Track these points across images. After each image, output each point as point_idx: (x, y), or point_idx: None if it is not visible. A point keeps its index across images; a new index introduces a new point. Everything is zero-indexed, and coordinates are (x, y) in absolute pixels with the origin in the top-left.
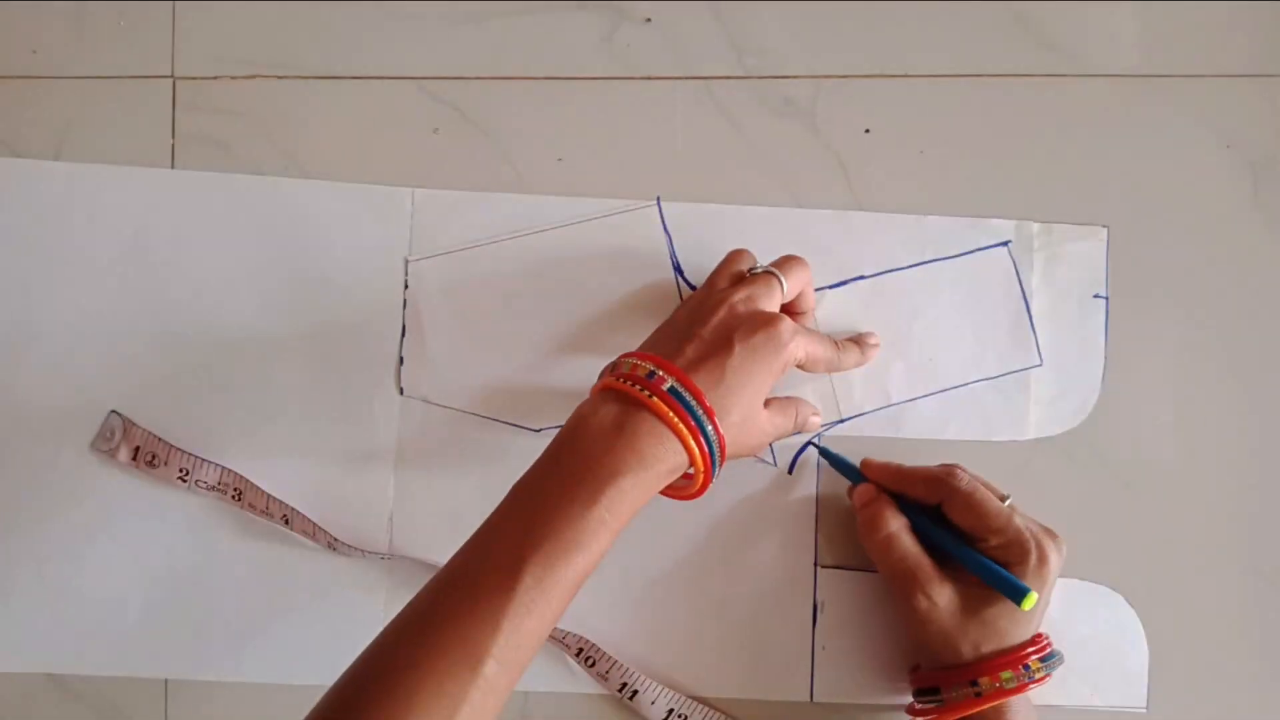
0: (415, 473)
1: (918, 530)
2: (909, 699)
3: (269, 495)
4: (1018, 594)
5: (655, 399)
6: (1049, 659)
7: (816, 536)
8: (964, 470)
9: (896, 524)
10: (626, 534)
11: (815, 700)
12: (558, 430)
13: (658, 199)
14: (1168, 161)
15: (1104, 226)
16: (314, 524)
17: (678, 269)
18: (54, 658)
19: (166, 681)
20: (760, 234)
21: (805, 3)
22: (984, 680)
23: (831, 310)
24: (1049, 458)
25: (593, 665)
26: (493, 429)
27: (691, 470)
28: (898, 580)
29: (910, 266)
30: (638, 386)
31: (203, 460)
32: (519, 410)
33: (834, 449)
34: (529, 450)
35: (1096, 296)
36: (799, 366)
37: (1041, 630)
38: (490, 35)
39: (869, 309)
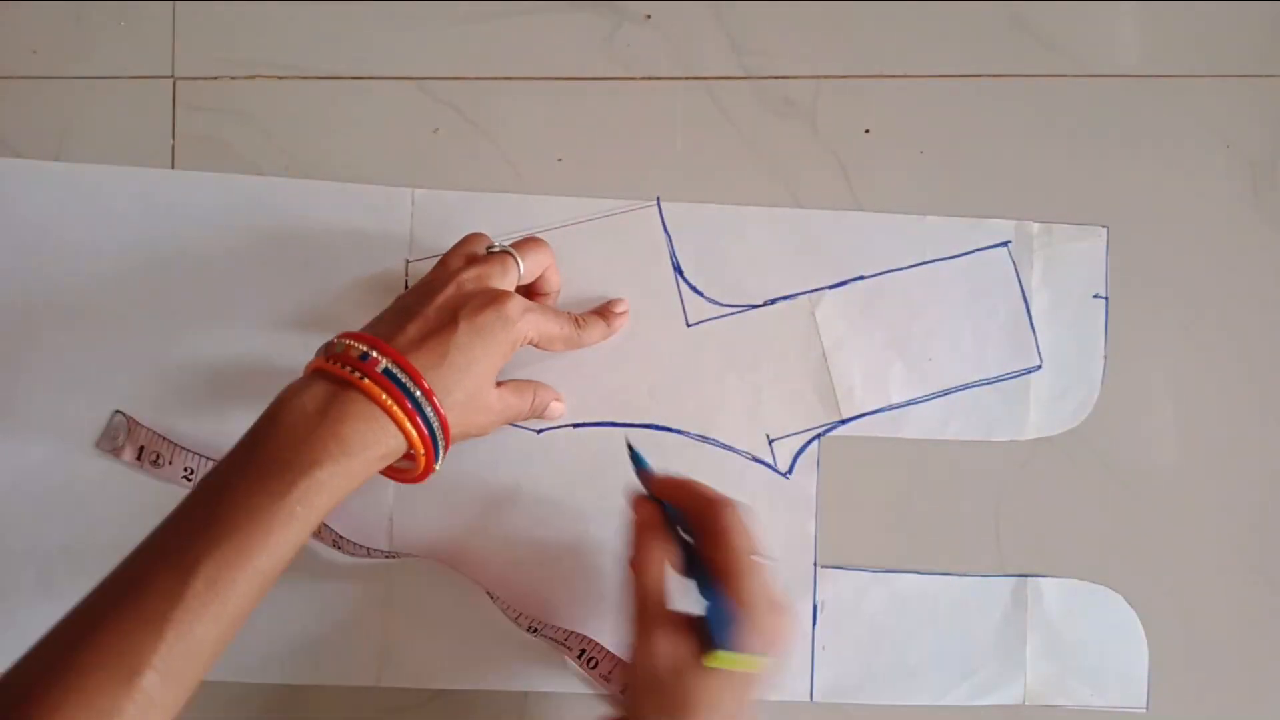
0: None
1: (685, 558)
2: (909, 699)
3: None
4: (715, 644)
5: (367, 380)
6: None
7: (816, 536)
8: (739, 511)
9: (658, 558)
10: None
11: (815, 700)
12: (556, 430)
13: (658, 199)
14: (1168, 161)
15: (1104, 226)
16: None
17: (678, 269)
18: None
19: None
20: (760, 234)
21: (805, 3)
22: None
23: (832, 310)
24: (1049, 458)
25: (595, 667)
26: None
27: (412, 453)
28: (639, 611)
29: (910, 267)
30: (349, 368)
31: (207, 459)
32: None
33: (834, 449)
34: (529, 450)
35: (1096, 296)
36: (535, 346)
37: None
38: (490, 35)
39: (869, 309)
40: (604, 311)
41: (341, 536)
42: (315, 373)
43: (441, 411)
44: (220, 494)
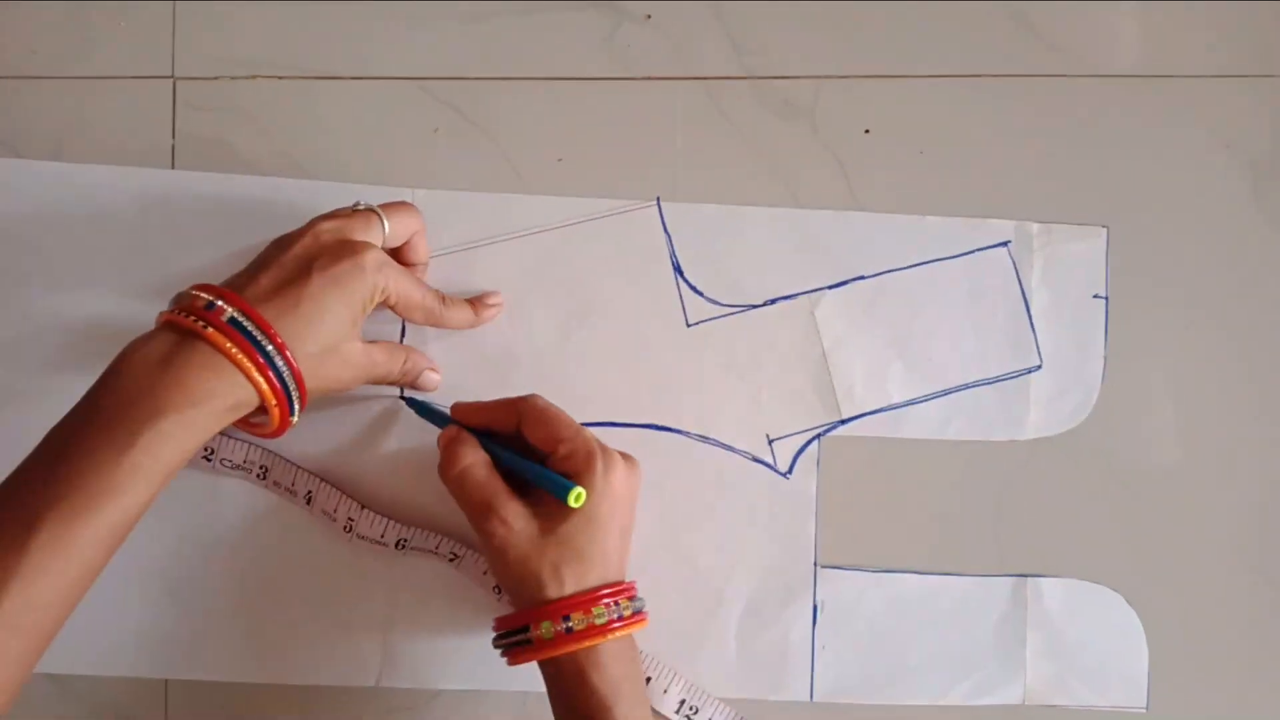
0: (415, 474)
1: (497, 464)
2: (909, 699)
3: (297, 468)
4: (563, 490)
5: (211, 330)
6: (636, 602)
7: (816, 536)
8: (537, 397)
9: (472, 457)
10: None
11: (815, 700)
12: None
13: (658, 199)
14: (1168, 161)
15: (1104, 226)
16: (338, 498)
17: (678, 269)
18: (54, 658)
19: (166, 682)
20: (760, 234)
21: (805, 3)
22: (575, 615)
23: (832, 310)
24: (1049, 458)
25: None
26: None
27: (265, 406)
28: (475, 512)
29: (910, 267)
30: (193, 318)
31: (228, 438)
32: None
33: (834, 449)
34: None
35: (1096, 296)
36: (391, 308)
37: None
38: (490, 35)
39: (869, 309)
40: (477, 301)
41: (353, 519)
42: (163, 325)
43: (294, 363)
44: (64, 446)
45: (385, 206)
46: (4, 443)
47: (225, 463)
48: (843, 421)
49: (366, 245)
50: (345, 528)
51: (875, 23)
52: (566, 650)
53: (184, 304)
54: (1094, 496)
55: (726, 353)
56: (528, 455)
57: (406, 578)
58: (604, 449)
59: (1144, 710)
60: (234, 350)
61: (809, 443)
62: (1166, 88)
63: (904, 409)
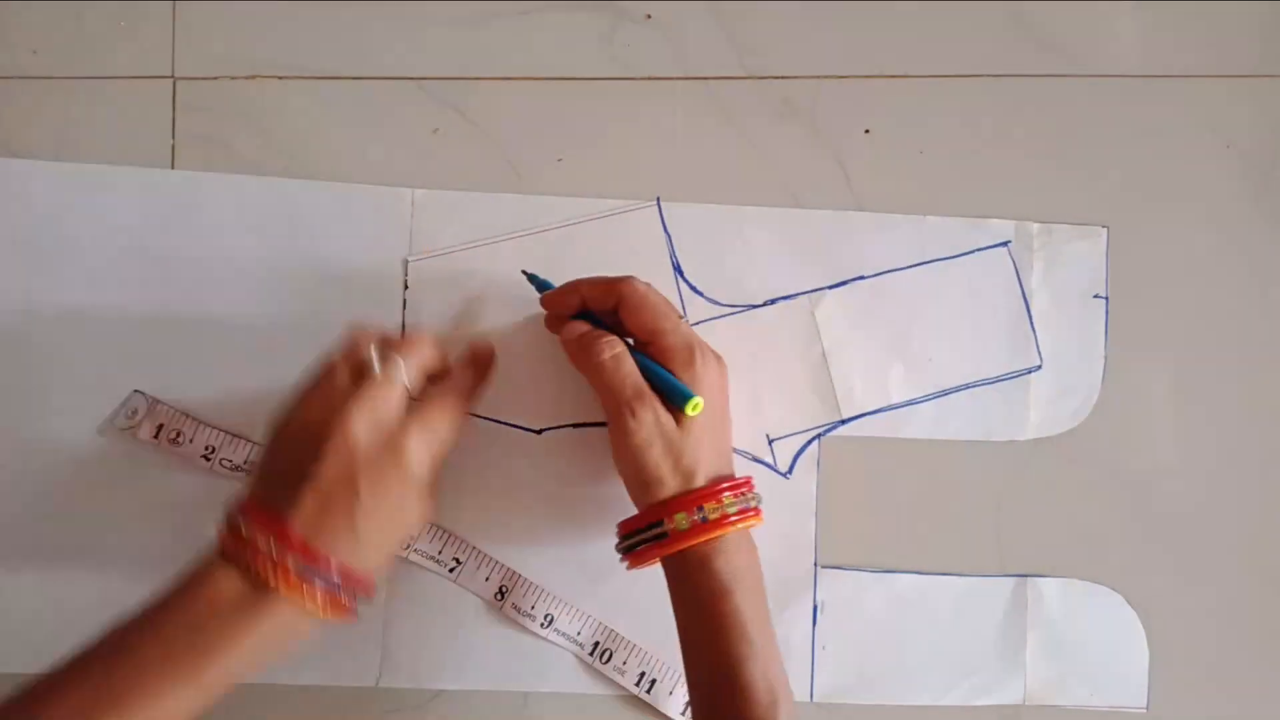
0: None
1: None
2: (909, 699)
3: None
4: (683, 399)
5: (284, 582)
6: (756, 495)
7: (816, 536)
8: (637, 281)
9: (621, 346)
10: None
11: (815, 700)
12: (556, 430)
13: (658, 199)
14: (1168, 161)
15: (1104, 226)
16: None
17: (678, 269)
18: (54, 658)
19: None
20: (760, 234)
21: (805, 3)
22: (709, 505)
23: (832, 310)
24: (1049, 458)
25: (609, 659)
26: (492, 430)
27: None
28: (629, 398)
29: (910, 267)
30: (267, 565)
31: (231, 436)
32: (519, 411)
33: (834, 449)
34: (529, 451)
35: (1096, 297)
36: None
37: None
38: (490, 35)
39: (869, 309)
40: (470, 357)
41: None
42: (229, 552)
43: (359, 577)
44: (120, 664)
45: (401, 347)
46: (4, 443)
47: (225, 463)
48: (843, 421)
49: (404, 445)
50: None
51: (875, 23)
52: (700, 540)
53: (246, 539)
54: (1094, 496)
55: (726, 353)
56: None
57: (407, 578)
58: (700, 343)
59: (1144, 710)
60: (306, 599)
61: (809, 443)
62: (1166, 88)
63: (904, 409)
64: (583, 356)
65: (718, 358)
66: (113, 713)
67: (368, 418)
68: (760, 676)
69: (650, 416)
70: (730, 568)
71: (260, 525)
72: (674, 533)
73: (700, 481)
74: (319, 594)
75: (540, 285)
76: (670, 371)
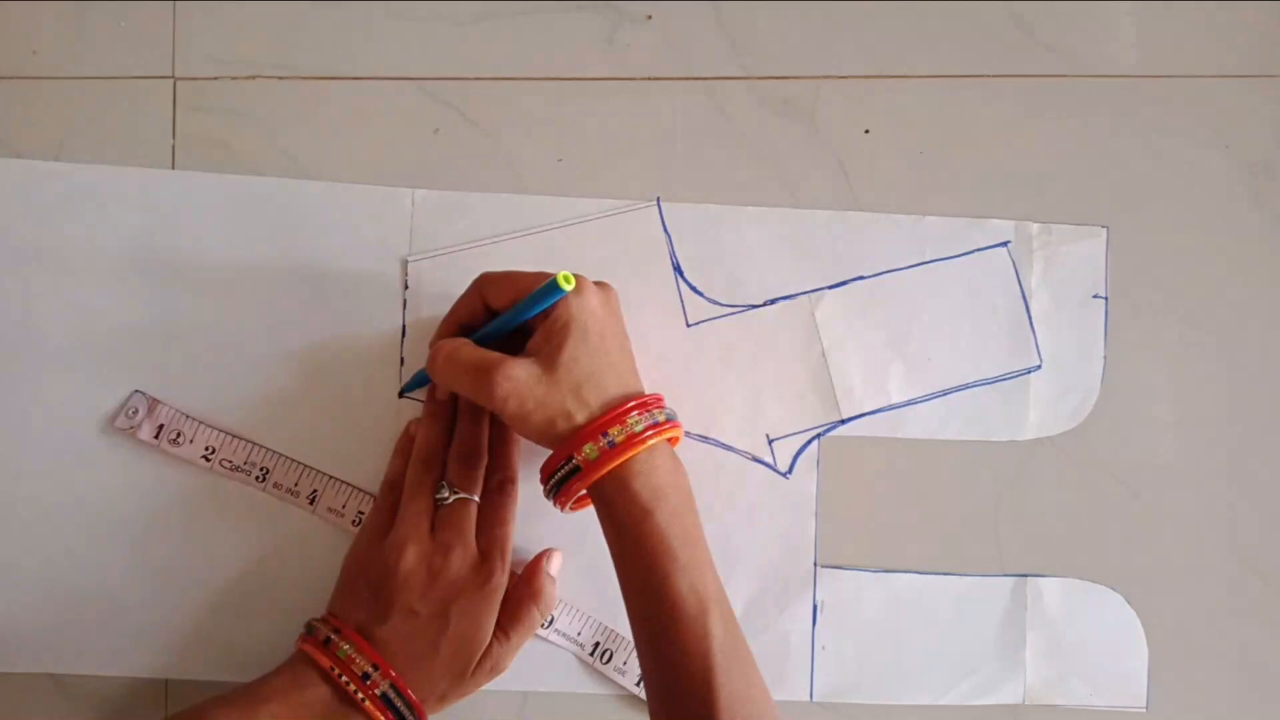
0: None
1: (479, 342)
2: (909, 699)
3: (302, 467)
4: (549, 289)
5: (368, 704)
6: (667, 410)
7: (816, 536)
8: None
9: (454, 342)
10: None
11: (815, 700)
12: None
13: (658, 199)
14: (1168, 161)
15: (1104, 226)
16: (347, 494)
17: (678, 269)
18: (54, 658)
19: (167, 682)
20: (760, 234)
21: (805, 3)
22: (613, 429)
23: (831, 310)
24: (1049, 458)
25: (609, 659)
26: None
27: None
28: (476, 381)
29: (910, 267)
30: (352, 686)
31: (231, 437)
32: None
33: (834, 449)
34: (529, 450)
35: (1096, 297)
36: None
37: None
38: (490, 35)
39: (869, 309)
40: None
41: (362, 513)
42: (314, 664)
43: (421, 709)
44: None
45: (462, 481)
46: (4, 443)
47: (225, 464)
48: (843, 421)
49: (490, 570)
50: (354, 522)
51: (875, 23)
52: (613, 465)
53: (337, 656)
54: (1094, 496)
55: (726, 353)
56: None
57: None
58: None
59: (1144, 710)
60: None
61: (809, 443)
62: (1166, 88)
63: (904, 409)
64: (430, 368)
65: (603, 286)
66: None
67: (458, 551)
68: (688, 589)
69: (501, 380)
70: (649, 487)
71: (358, 645)
72: (585, 464)
73: (597, 408)
74: (391, 717)
75: (422, 379)
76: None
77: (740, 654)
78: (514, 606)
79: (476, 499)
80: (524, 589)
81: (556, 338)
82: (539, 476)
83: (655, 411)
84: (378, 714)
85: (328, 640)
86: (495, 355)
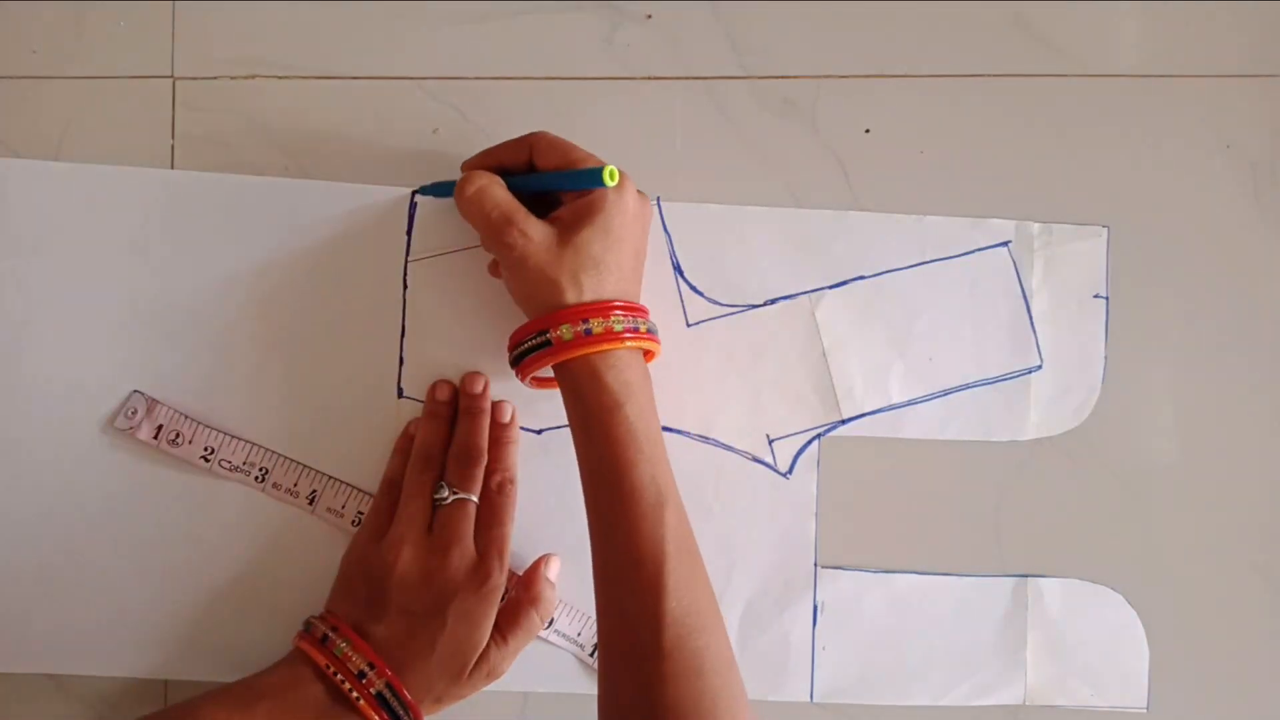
0: None
1: (511, 187)
2: (910, 700)
3: (301, 467)
4: (596, 173)
5: (363, 702)
6: (651, 323)
7: (816, 536)
8: (543, 133)
9: (488, 179)
10: None
11: (815, 700)
12: (556, 430)
13: (658, 199)
14: (1168, 161)
15: (1104, 226)
16: (346, 494)
17: (678, 269)
18: (54, 658)
19: (166, 682)
20: (760, 234)
21: (805, 3)
22: (594, 320)
23: (832, 310)
24: (1049, 458)
25: None
26: None
27: None
28: (494, 227)
29: (910, 267)
30: (347, 685)
31: (230, 437)
32: (519, 411)
33: (834, 449)
34: (529, 451)
35: (1096, 296)
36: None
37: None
38: (490, 35)
39: (869, 309)
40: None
41: (362, 512)
42: (310, 663)
43: (417, 710)
44: None
45: (463, 480)
46: (4, 443)
47: (225, 464)
48: (843, 421)
49: (488, 570)
50: (353, 522)
51: (875, 23)
52: (583, 352)
53: (334, 654)
54: (1094, 496)
55: (726, 353)
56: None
57: None
58: (622, 173)
59: (1144, 710)
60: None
61: (809, 443)
62: (1166, 88)
63: (904, 409)
64: (458, 201)
65: (641, 194)
66: None
67: (455, 548)
68: (649, 480)
69: (517, 234)
70: (621, 381)
71: (354, 643)
72: (558, 342)
73: (589, 296)
74: (386, 717)
75: (442, 189)
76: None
77: (691, 552)
78: (513, 610)
79: (475, 499)
80: (523, 594)
81: (582, 219)
82: (507, 344)
83: (639, 320)
84: (372, 714)
85: (324, 638)
86: (519, 209)
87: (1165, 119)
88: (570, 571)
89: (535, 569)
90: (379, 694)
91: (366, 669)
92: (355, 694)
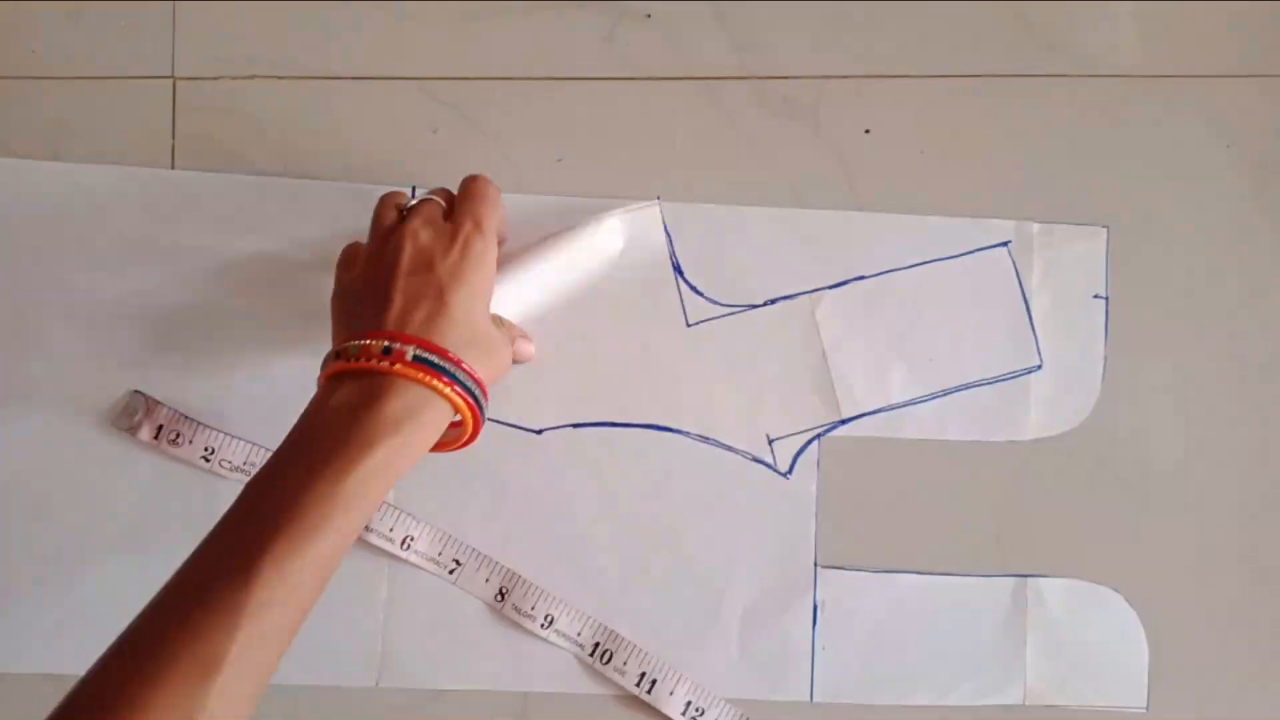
0: (415, 474)
1: None
2: (910, 700)
3: None
4: None
5: (399, 367)
6: (458, 378)
7: (816, 536)
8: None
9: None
10: (625, 535)
11: (815, 700)
12: (556, 430)
13: (658, 199)
14: (1168, 161)
15: (1104, 226)
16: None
17: (678, 269)
18: (54, 658)
19: None
20: (760, 234)
21: (806, 3)
22: (396, 344)
23: (832, 310)
24: (1049, 458)
25: (609, 660)
26: (493, 430)
27: (459, 419)
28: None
29: (910, 267)
30: (377, 361)
31: (231, 437)
32: (519, 411)
33: (834, 449)
34: (529, 451)
35: (1096, 297)
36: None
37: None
38: (490, 35)
39: (869, 309)
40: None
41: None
42: (337, 375)
43: (473, 372)
44: (275, 486)
45: (437, 190)
46: (4, 443)
47: (225, 464)
48: (843, 421)
49: (462, 220)
50: None
51: (875, 23)
52: (371, 366)
53: (354, 355)
54: (1094, 496)
55: (726, 353)
56: None
57: (407, 579)
58: (421, 204)
59: (1144, 710)
60: (429, 379)
61: (809, 443)
62: (1166, 88)
63: (904, 409)
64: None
65: (489, 248)
66: (275, 537)
67: (419, 220)
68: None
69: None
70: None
71: (368, 335)
72: (397, 351)
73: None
74: (442, 378)
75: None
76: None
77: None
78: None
79: (442, 203)
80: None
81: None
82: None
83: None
84: (415, 373)
85: (338, 353)
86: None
87: (1165, 119)
88: (570, 571)
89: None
90: (415, 356)
91: (391, 344)
92: (388, 363)
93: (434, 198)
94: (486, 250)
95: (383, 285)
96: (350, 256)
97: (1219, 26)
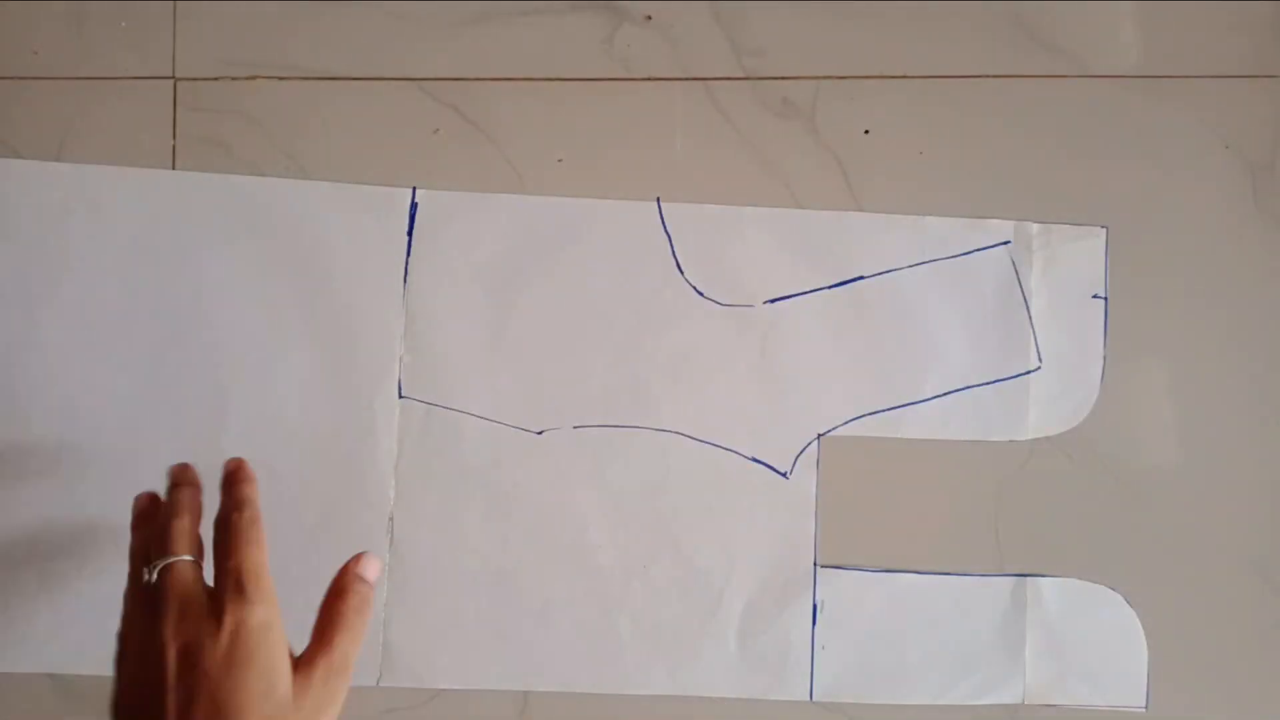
0: (415, 474)
1: None
2: (909, 699)
3: None
4: None
5: None
6: None
7: (816, 536)
8: None
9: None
10: (625, 535)
11: (815, 700)
12: (556, 430)
13: (658, 199)
14: (1168, 162)
15: (1103, 227)
16: None
17: (678, 269)
18: (54, 658)
19: None
20: (760, 234)
21: (805, 3)
22: None
23: (831, 311)
24: (1048, 458)
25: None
26: (493, 430)
27: None
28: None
29: (909, 267)
30: None
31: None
32: (519, 412)
33: (834, 449)
34: (529, 451)
35: (1096, 297)
36: None
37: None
38: (490, 35)
39: (868, 309)
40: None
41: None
42: None
43: None
44: None
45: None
46: (5, 443)
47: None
48: (843, 422)
49: (221, 607)
50: None
51: (875, 23)
52: None
53: None
54: (1094, 496)
55: (727, 353)
56: None
57: (407, 578)
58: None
59: (1144, 710)
60: None
61: (809, 443)
62: (1166, 88)
63: (904, 409)
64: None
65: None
66: None
67: (176, 605)
68: None
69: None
70: None
71: None
72: None
73: None
74: None
75: None
76: None
77: None
78: (326, 618)
79: (190, 558)
80: (330, 599)
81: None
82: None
83: None
84: None
85: None
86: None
87: (1165, 119)
88: (570, 571)
89: (344, 569)
90: None
91: None
92: None
93: (183, 559)
94: (260, 626)
95: (153, 701)
96: (121, 651)
97: (1218, 27)
